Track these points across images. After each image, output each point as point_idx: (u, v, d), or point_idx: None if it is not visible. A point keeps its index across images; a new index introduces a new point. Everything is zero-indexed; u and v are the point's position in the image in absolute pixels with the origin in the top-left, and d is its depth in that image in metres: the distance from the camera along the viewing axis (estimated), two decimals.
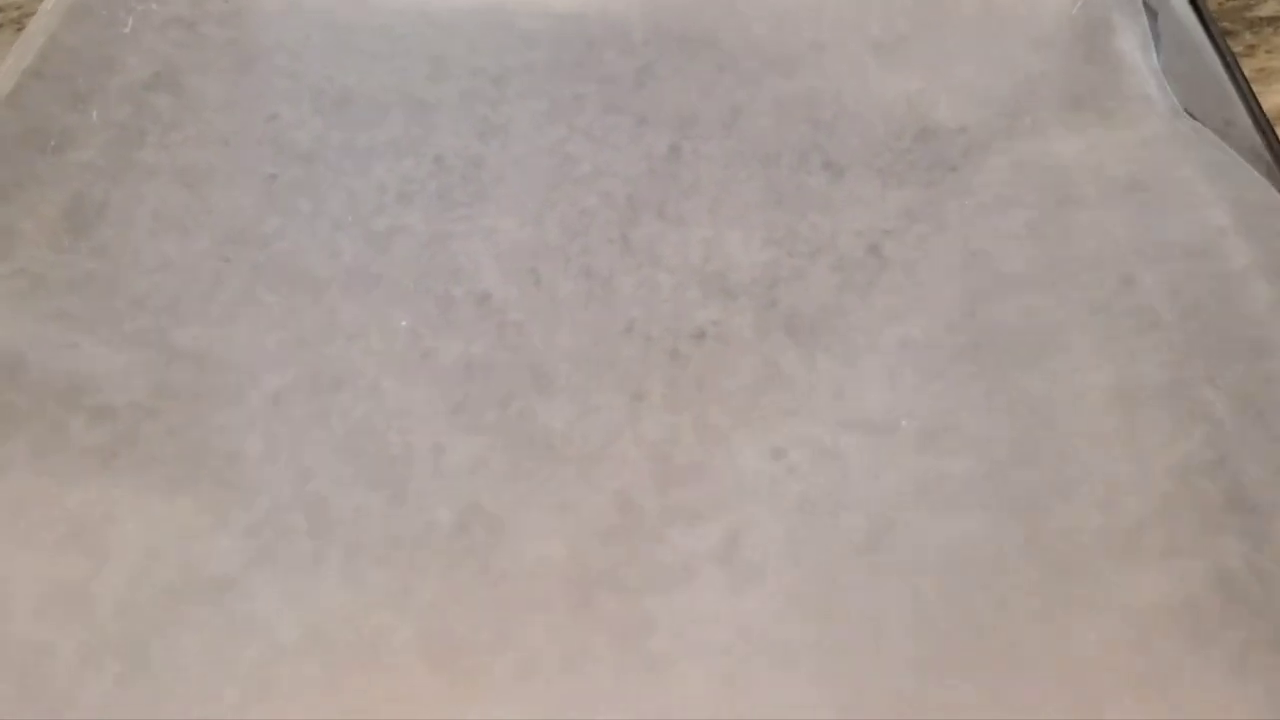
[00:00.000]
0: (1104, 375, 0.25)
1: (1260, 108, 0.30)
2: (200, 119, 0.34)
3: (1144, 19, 0.36)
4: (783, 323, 0.29)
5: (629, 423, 0.27)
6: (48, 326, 0.28)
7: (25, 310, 0.28)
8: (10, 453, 0.25)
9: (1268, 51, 0.37)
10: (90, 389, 0.26)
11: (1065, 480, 0.23)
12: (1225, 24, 0.38)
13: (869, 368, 0.27)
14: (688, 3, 0.38)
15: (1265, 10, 0.38)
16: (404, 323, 0.29)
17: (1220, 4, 0.38)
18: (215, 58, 0.36)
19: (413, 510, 0.25)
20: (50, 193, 0.31)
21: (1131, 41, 0.36)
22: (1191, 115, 0.33)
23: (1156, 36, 0.35)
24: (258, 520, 0.25)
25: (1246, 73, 0.32)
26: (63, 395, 0.26)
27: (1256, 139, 0.29)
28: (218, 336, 0.28)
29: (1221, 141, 0.31)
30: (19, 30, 0.41)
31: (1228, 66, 0.31)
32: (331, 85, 0.35)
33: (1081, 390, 0.25)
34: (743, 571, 0.23)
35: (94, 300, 0.28)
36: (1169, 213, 0.29)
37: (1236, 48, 0.36)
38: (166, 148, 0.33)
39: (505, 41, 0.37)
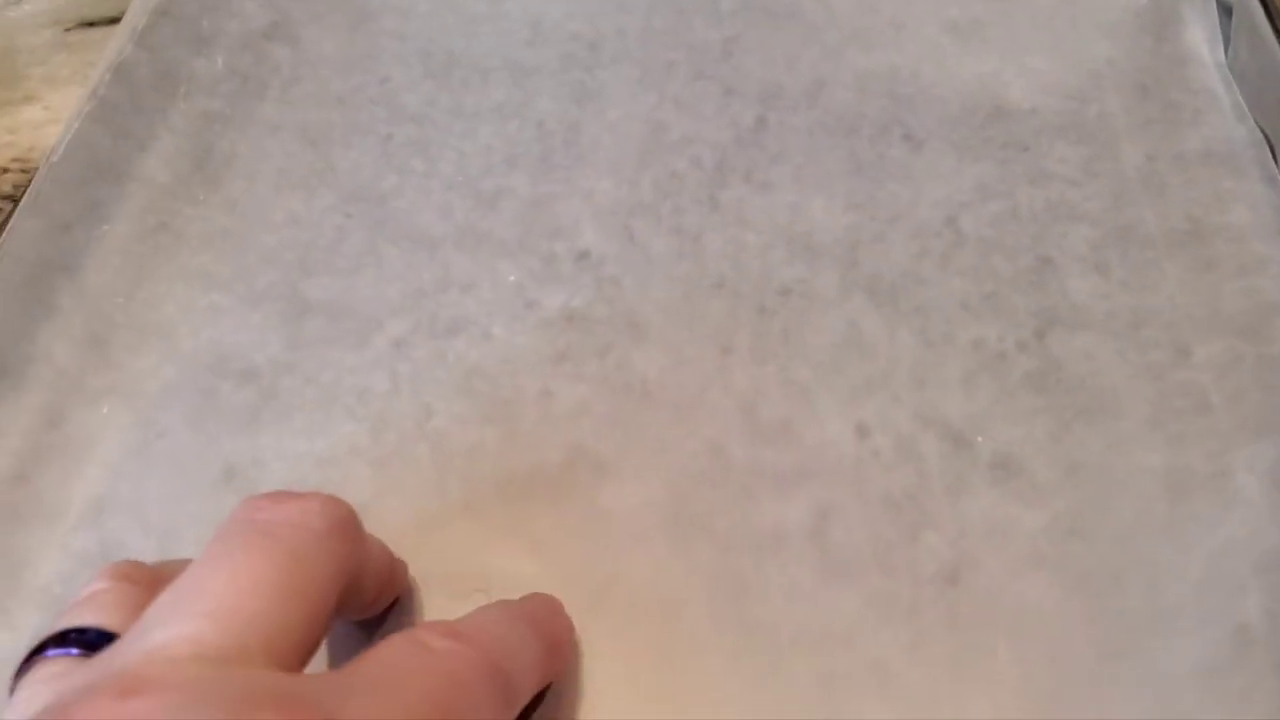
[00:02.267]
0: (1156, 457, 0.27)
1: None
2: (318, 76, 0.36)
3: (1214, 12, 0.37)
4: (865, 284, 0.31)
5: (718, 373, 0.29)
6: (192, 288, 0.30)
7: (172, 269, 0.31)
8: (169, 420, 0.28)
9: None
10: (235, 354, 0.29)
11: (1118, 564, 0.25)
12: None
13: (947, 361, 0.29)
14: None
15: None
16: (511, 277, 0.31)
17: None
18: (327, 12, 0.38)
19: (525, 448, 0.28)
20: (183, 143, 0.33)
21: (1199, 35, 0.37)
22: (1257, 117, 0.34)
23: (1226, 33, 0.37)
24: (387, 453, 0.27)
25: None
26: (212, 365, 0.29)
27: None
28: (343, 288, 0.31)
29: (1276, 170, 0.32)
30: None
31: None
32: (437, 48, 0.37)
33: (1135, 470, 0.27)
34: (832, 562, 0.26)
35: (229, 256, 0.31)
36: (1224, 277, 0.31)
37: None
38: (288, 103, 0.35)
39: (600, 6, 0.39)
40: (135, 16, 0.34)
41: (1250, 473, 0.26)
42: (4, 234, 0.29)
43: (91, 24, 0.40)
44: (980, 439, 0.28)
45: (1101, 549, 0.26)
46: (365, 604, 0.23)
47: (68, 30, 0.40)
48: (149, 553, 0.26)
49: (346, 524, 0.20)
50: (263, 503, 0.20)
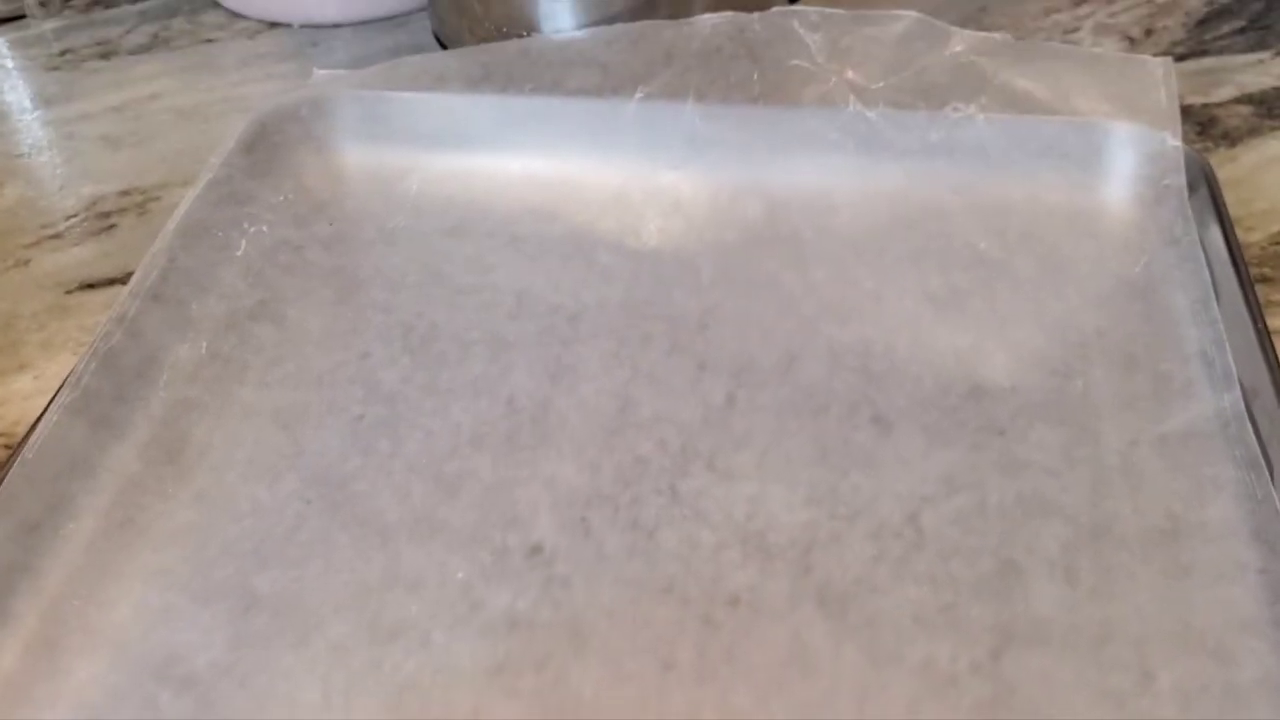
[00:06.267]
0: None
1: None
2: (299, 354, 0.37)
3: (1206, 274, 0.36)
4: (816, 592, 0.30)
5: (656, 694, 0.28)
6: (149, 586, 0.31)
7: (132, 568, 0.31)
8: None
9: None
10: (180, 656, 0.29)
11: None
12: (1267, 269, 0.38)
13: (892, 683, 0.28)
14: (754, 246, 0.40)
15: None
16: (460, 574, 0.31)
17: (1264, 248, 0.39)
18: (318, 286, 0.40)
19: None
20: (160, 432, 0.34)
21: (1194, 294, 0.36)
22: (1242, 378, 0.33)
23: (1218, 292, 0.36)
24: None
25: None
26: (156, 669, 0.29)
27: None
28: (292, 579, 0.31)
29: (1260, 452, 0.31)
30: (141, 215, 0.46)
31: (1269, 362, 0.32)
32: (421, 321, 0.38)
33: None
34: None
35: (190, 552, 0.32)
36: (1198, 585, 0.29)
37: (1275, 296, 0.36)
38: (267, 386, 0.36)
39: (584, 277, 0.39)
40: (125, 304, 0.36)
41: None
42: None
43: (92, 286, 0.42)
44: None
45: None
46: None
47: (68, 293, 0.42)
48: None
49: None
50: None
